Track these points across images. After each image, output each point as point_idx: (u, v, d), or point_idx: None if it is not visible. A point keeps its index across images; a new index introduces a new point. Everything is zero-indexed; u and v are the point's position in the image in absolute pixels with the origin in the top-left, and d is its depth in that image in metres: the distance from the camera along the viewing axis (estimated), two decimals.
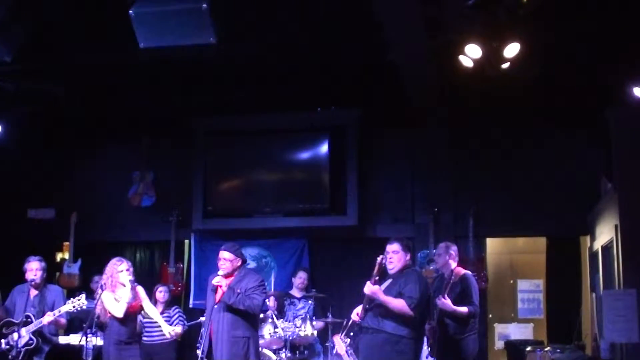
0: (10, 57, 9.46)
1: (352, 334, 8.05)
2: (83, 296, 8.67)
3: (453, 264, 8.56)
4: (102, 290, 8.36)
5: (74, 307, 8.56)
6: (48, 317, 8.51)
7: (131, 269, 8.51)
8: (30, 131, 12.76)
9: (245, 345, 7.73)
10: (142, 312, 8.75)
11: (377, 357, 7.61)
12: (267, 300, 9.99)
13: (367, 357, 7.77)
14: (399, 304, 7.47)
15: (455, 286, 8.31)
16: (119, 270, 8.39)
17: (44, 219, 13.48)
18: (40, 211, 13.53)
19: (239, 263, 7.97)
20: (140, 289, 8.61)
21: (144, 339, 9.87)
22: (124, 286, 8.33)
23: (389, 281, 7.79)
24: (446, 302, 8.14)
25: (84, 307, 8.59)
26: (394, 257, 7.79)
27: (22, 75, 10.63)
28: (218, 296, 7.86)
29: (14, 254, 11.35)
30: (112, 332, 8.34)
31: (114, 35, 9.41)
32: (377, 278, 7.63)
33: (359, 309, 7.88)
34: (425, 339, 8.53)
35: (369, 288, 7.57)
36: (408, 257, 7.88)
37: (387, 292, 7.63)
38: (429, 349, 8.43)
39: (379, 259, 7.68)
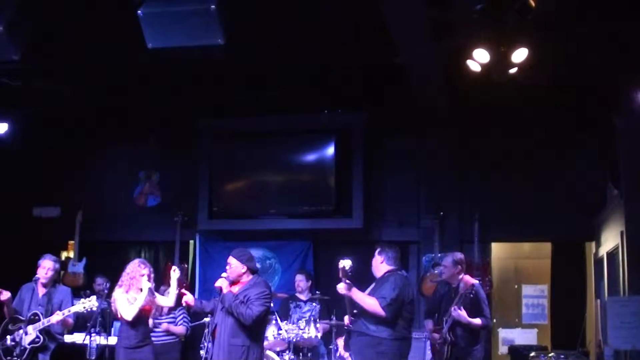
0: (18, 56, 9.44)
1: (344, 337, 8.24)
2: (94, 297, 8.64)
3: (460, 276, 8.58)
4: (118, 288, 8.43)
5: (84, 308, 8.54)
6: (57, 317, 8.50)
7: (152, 275, 8.49)
8: (36, 130, 12.79)
9: (243, 354, 7.55)
10: (154, 313, 8.76)
11: (361, 358, 7.79)
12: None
13: (355, 359, 7.95)
14: (371, 301, 7.70)
15: (466, 298, 8.33)
16: (141, 274, 8.37)
17: (49, 217, 13.51)
18: (45, 209, 13.57)
19: (243, 270, 7.83)
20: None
21: None
22: (141, 291, 8.32)
23: (372, 285, 8.03)
24: (462, 313, 8.21)
25: (94, 308, 8.56)
26: (372, 263, 8.10)
27: (29, 74, 10.63)
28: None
29: (19, 252, 11.42)
30: (122, 336, 8.33)
31: (121, 35, 9.41)
32: (347, 281, 7.81)
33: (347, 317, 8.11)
34: (429, 345, 8.65)
35: (340, 288, 7.82)
36: (381, 261, 8.05)
37: (370, 294, 7.87)
38: (435, 355, 8.48)
39: (340, 265, 7.83)
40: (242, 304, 7.56)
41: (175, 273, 8.63)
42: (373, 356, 7.64)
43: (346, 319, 8.15)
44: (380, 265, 8.06)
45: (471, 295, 8.27)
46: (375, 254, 8.15)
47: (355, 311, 7.89)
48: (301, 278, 11.21)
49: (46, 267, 8.85)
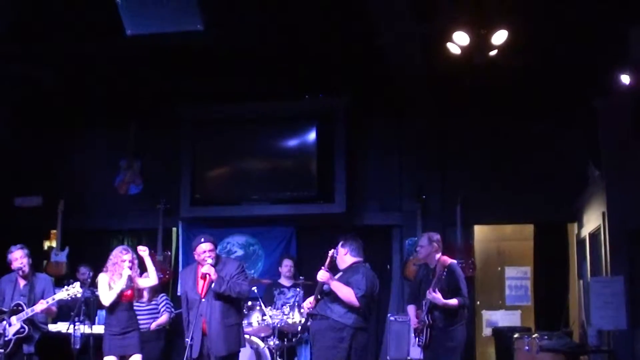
0: None
1: (308, 323, 8.32)
2: (77, 284, 8.61)
3: (437, 255, 8.58)
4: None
5: (68, 295, 8.50)
6: (41, 305, 8.43)
7: (135, 262, 8.48)
8: (16, 118, 12.69)
9: (238, 332, 7.85)
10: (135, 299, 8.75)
11: (320, 341, 7.88)
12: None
13: (313, 341, 8.08)
14: (347, 292, 7.76)
15: (443, 278, 8.34)
16: (122, 260, 8.39)
17: (30, 206, 13.42)
18: (27, 199, 13.46)
19: (216, 251, 8.03)
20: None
21: None
22: (121, 277, 8.33)
23: (339, 274, 8.05)
24: (437, 296, 8.21)
25: (79, 295, 8.53)
26: (337, 256, 8.13)
27: (7, 59, 10.55)
28: (204, 287, 7.77)
29: (1, 243, 11.32)
30: (107, 323, 8.41)
31: (102, 21, 9.36)
32: (328, 270, 7.92)
33: (311, 299, 8.12)
34: (412, 330, 8.70)
35: (321, 275, 7.86)
36: (345, 252, 8.08)
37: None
38: (417, 339, 8.50)
39: (330, 252, 8.01)
40: (235, 284, 7.75)
41: (144, 252, 8.63)
42: (332, 340, 7.73)
43: (307, 303, 8.23)
44: (345, 256, 8.10)
45: (443, 275, 8.28)
46: (338, 246, 8.15)
47: (319, 297, 8.00)
48: (290, 263, 11.23)
49: (18, 257, 8.71)
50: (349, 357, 7.73)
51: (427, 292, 8.29)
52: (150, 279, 8.64)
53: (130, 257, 8.44)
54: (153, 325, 10.38)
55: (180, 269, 12.66)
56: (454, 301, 8.28)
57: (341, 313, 7.76)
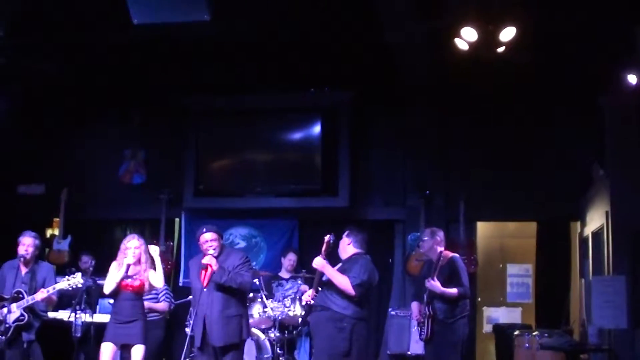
0: (2, 32, 9.39)
1: (305, 311, 8.36)
2: (79, 274, 8.58)
3: (439, 249, 8.56)
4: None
5: (69, 285, 8.49)
6: (41, 294, 8.43)
7: (141, 248, 8.36)
8: (21, 107, 12.69)
9: (239, 324, 7.82)
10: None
11: (320, 333, 7.95)
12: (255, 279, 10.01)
13: (313, 333, 8.18)
14: (343, 280, 7.81)
15: (444, 269, 8.34)
16: (126, 248, 8.37)
17: (34, 194, 13.43)
18: (30, 187, 13.47)
19: (222, 242, 8.03)
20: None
21: None
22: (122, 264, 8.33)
23: (339, 265, 8.09)
24: (435, 283, 8.20)
25: (79, 285, 8.52)
26: (339, 244, 8.21)
27: (14, 50, 10.54)
28: (206, 277, 7.80)
29: (4, 230, 11.35)
30: (112, 311, 8.41)
31: (107, 12, 9.35)
32: (325, 257, 7.97)
33: (310, 292, 8.19)
34: (415, 322, 8.67)
35: (317, 261, 7.93)
36: (348, 242, 8.15)
37: None
38: (420, 332, 8.48)
39: (326, 237, 8.01)
40: (237, 275, 7.74)
41: (155, 250, 8.57)
42: (333, 331, 7.77)
43: (306, 296, 8.30)
44: (347, 247, 8.16)
45: (441, 263, 8.27)
46: (343, 235, 8.21)
47: (320, 288, 8.04)
48: (294, 257, 11.24)
49: (26, 243, 8.74)
50: (351, 348, 7.75)
51: (426, 280, 8.30)
52: (158, 278, 8.42)
53: (137, 244, 8.36)
54: (147, 304, 10.28)
55: (182, 259, 12.69)
56: (453, 290, 8.25)
57: (340, 304, 7.79)
